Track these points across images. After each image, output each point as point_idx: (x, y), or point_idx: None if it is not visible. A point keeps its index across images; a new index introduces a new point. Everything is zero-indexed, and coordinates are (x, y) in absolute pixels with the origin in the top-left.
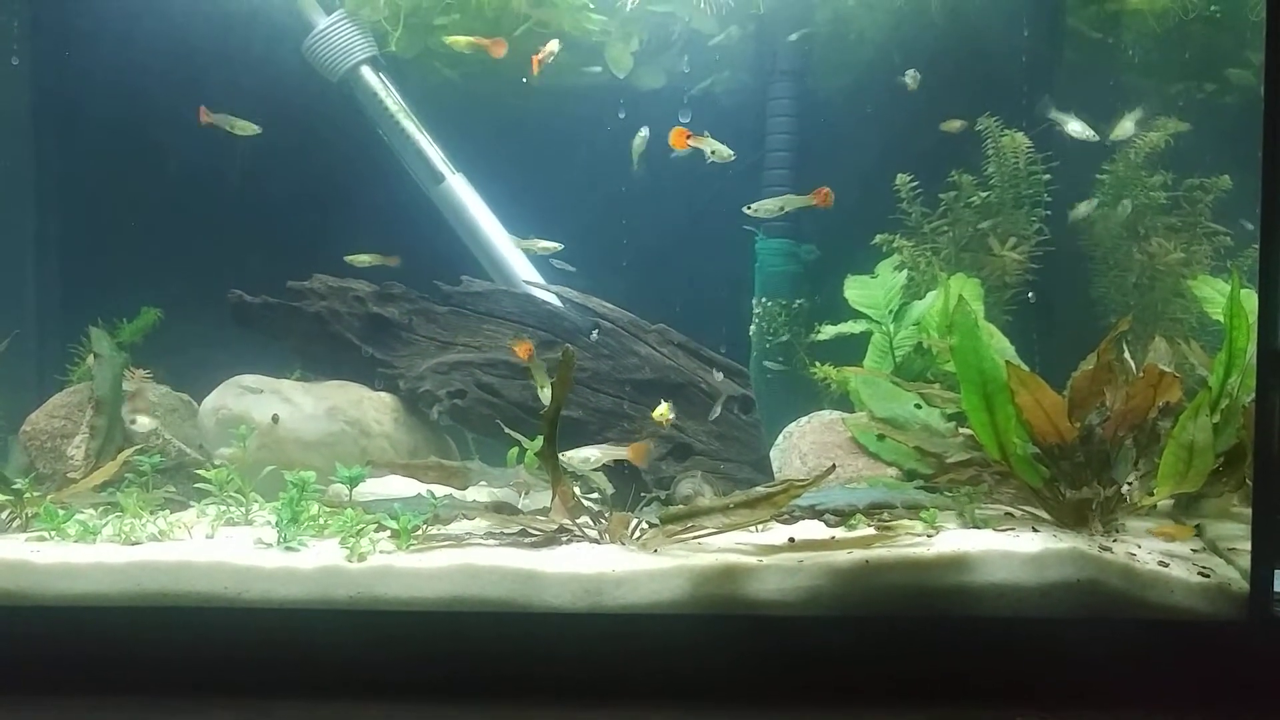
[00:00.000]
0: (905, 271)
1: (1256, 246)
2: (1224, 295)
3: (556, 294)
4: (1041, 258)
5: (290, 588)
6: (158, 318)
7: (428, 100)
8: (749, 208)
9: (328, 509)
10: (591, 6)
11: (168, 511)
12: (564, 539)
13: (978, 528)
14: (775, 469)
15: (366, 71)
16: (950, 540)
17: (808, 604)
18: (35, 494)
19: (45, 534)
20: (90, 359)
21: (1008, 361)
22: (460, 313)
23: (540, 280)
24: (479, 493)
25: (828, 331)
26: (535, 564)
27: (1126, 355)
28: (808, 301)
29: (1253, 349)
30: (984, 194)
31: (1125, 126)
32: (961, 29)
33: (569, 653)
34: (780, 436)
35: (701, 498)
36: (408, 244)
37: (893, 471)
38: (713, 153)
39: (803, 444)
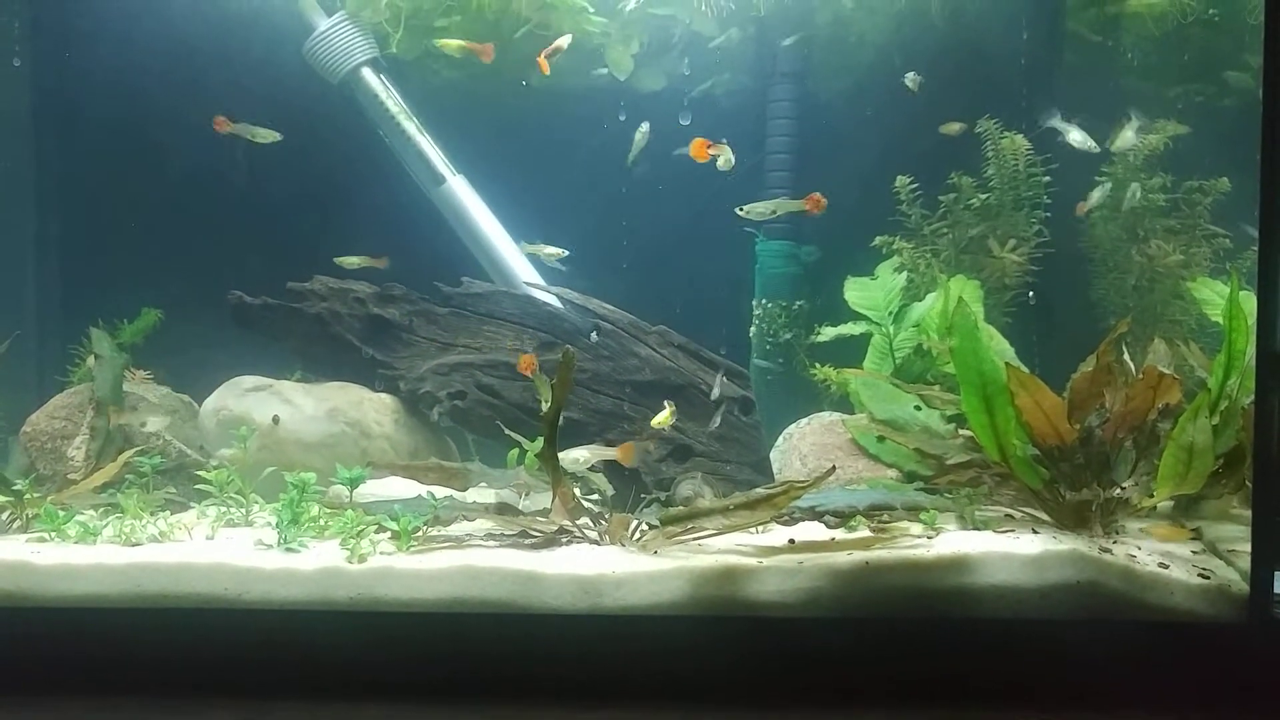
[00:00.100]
0: (905, 273)
1: (1255, 249)
2: (1223, 297)
3: (557, 295)
4: (1041, 260)
5: (290, 589)
6: (158, 319)
7: (428, 102)
8: (741, 209)
9: (328, 510)
10: (592, 9)
11: (168, 513)
12: (564, 540)
13: (978, 529)
14: (775, 470)
15: (367, 73)
16: (950, 542)
17: (808, 605)
18: (36, 495)
19: (45, 535)
20: (90, 360)
21: (1007, 363)
22: (461, 314)
23: (541, 282)
24: (479, 494)
25: (828, 333)
26: (535, 565)
27: (1126, 357)
28: (808, 303)
29: (1252, 351)
30: (984, 196)
31: (1125, 137)
32: (961, 32)
33: (569, 654)
34: (780, 438)
35: (701, 499)
36: (408, 245)
37: (893, 473)
38: (725, 161)
39: (803, 445)
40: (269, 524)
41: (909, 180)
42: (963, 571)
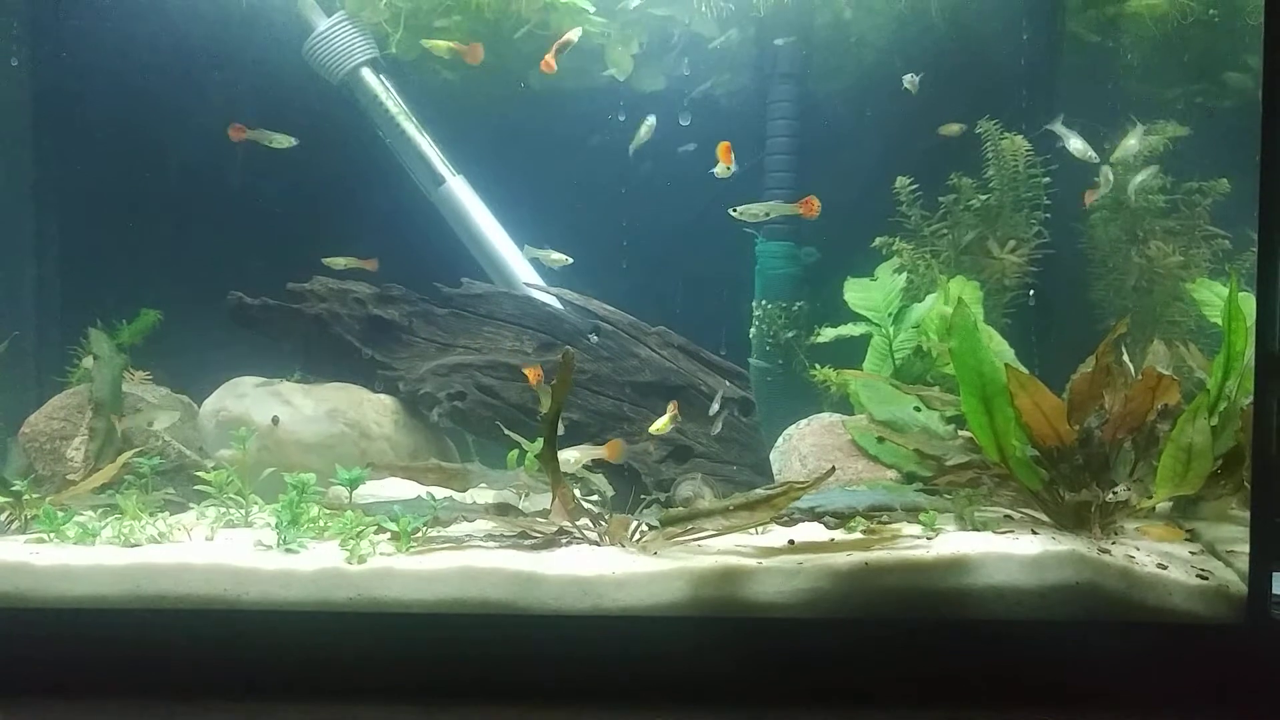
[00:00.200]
0: (905, 274)
1: (1255, 250)
2: (1222, 298)
3: (557, 296)
4: (1040, 261)
5: (290, 590)
6: (157, 319)
7: (428, 102)
8: (735, 210)
9: (328, 511)
10: (592, 10)
11: (167, 514)
12: (564, 541)
13: (977, 530)
14: (775, 471)
15: (367, 73)
16: (949, 543)
17: (807, 606)
18: (34, 496)
19: (44, 536)
20: (89, 360)
21: (1007, 364)
22: (460, 315)
23: (540, 282)
24: (479, 495)
25: (827, 334)
26: (535, 566)
27: (1125, 358)
28: (807, 304)
29: (1251, 352)
30: (984, 197)
31: (1128, 146)
32: (961, 32)
33: (569, 655)
34: (780, 439)
35: (701, 500)
36: (408, 246)
37: (892, 474)
38: (721, 169)
39: (802, 446)
40: (268, 525)
41: (909, 181)
42: (962, 572)
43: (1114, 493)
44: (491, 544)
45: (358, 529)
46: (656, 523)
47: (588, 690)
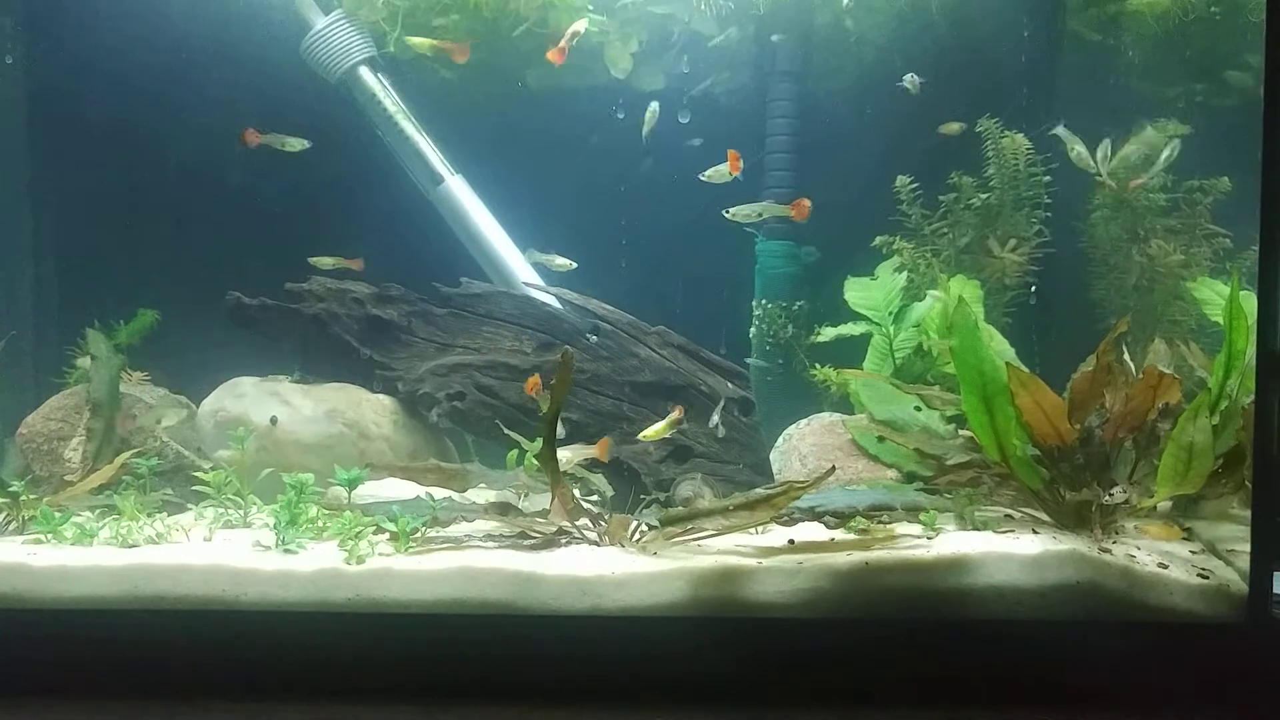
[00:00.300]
0: (905, 273)
1: (1256, 248)
2: (1223, 297)
3: (556, 295)
4: (1041, 259)
5: (289, 590)
6: (155, 319)
7: (426, 101)
8: (728, 212)
9: (326, 511)
10: (591, 8)
11: (165, 514)
12: (563, 541)
13: (977, 530)
14: (775, 471)
15: (365, 72)
16: (950, 542)
17: (807, 606)
18: (32, 496)
19: (42, 537)
20: (87, 361)
21: (1008, 363)
22: (459, 314)
23: (539, 282)
24: (478, 495)
25: (828, 333)
26: (534, 566)
27: (1126, 357)
28: (808, 303)
29: (1252, 351)
30: (984, 196)
31: (1125, 153)
32: (961, 30)
33: (568, 655)
34: (780, 438)
35: (701, 500)
36: (406, 245)
37: (892, 474)
38: (714, 174)
39: (802, 446)
40: (267, 525)
41: (909, 180)
42: (962, 572)
43: (1109, 495)
44: (491, 544)
45: (356, 529)
46: (656, 522)
47: (587, 690)
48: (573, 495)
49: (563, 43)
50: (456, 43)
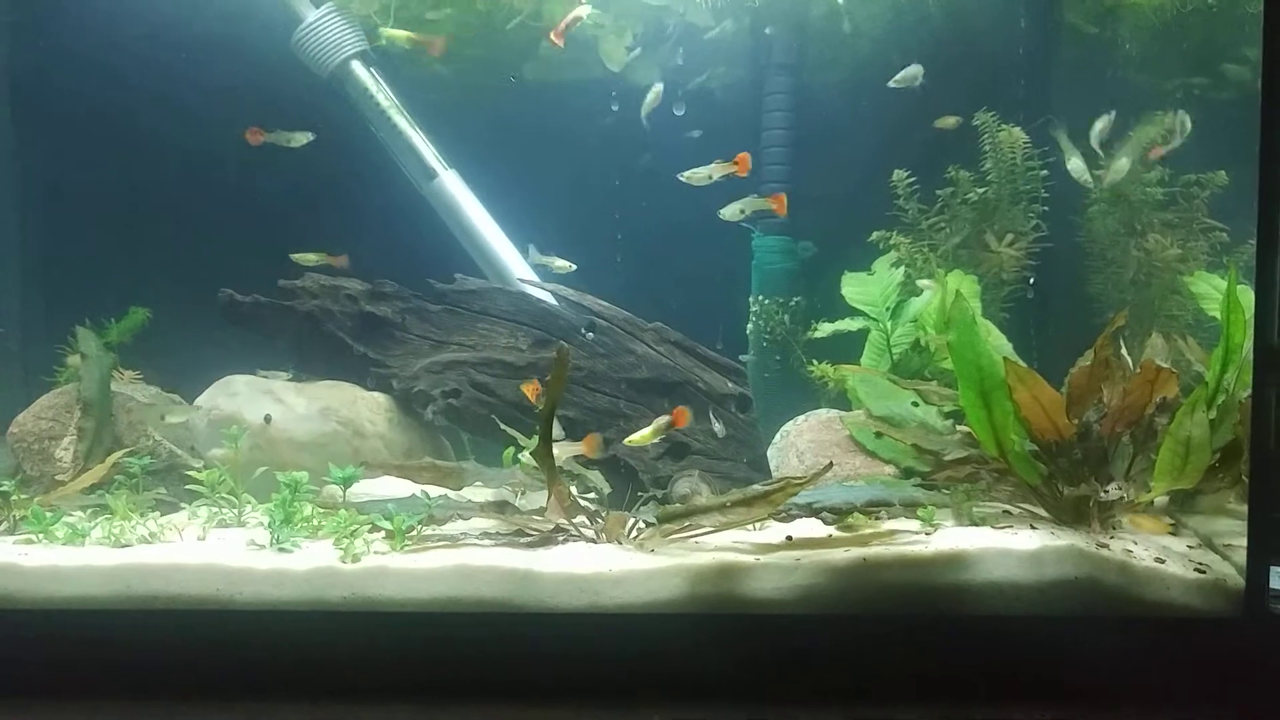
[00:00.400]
0: (902, 268)
1: (1253, 243)
2: (1220, 291)
3: (551, 292)
4: (1038, 254)
5: (284, 589)
6: (146, 317)
7: (419, 96)
8: (721, 212)
9: (321, 510)
10: (585, 0)
11: (158, 514)
12: (560, 539)
13: (975, 525)
14: (773, 467)
15: (357, 66)
16: (948, 538)
17: (805, 602)
18: (23, 496)
19: (33, 537)
20: (77, 359)
21: (1005, 358)
22: (454, 311)
23: (534, 278)
24: (474, 493)
25: (825, 329)
26: (531, 564)
27: (1123, 352)
28: (805, 299)
29: (1249, 345)
30: (981, 190)
31: (1119, 165)
32: (958, 22)
33: (566, 653)
34: (778, 435)
35: (698, 496)
36: (400, 241)
37: (890, 469)
38: (697, 176)
39: (800, 442)
40: (261, 524)
41: (906, 174)
42: (961, 568)
43: (1105, 492)
44: (487, 542)
45: (351, 528)
46: (654, 519)
47: (585, 688)
48: (570, 492)
49: (562, 26)
50: (431, 36)
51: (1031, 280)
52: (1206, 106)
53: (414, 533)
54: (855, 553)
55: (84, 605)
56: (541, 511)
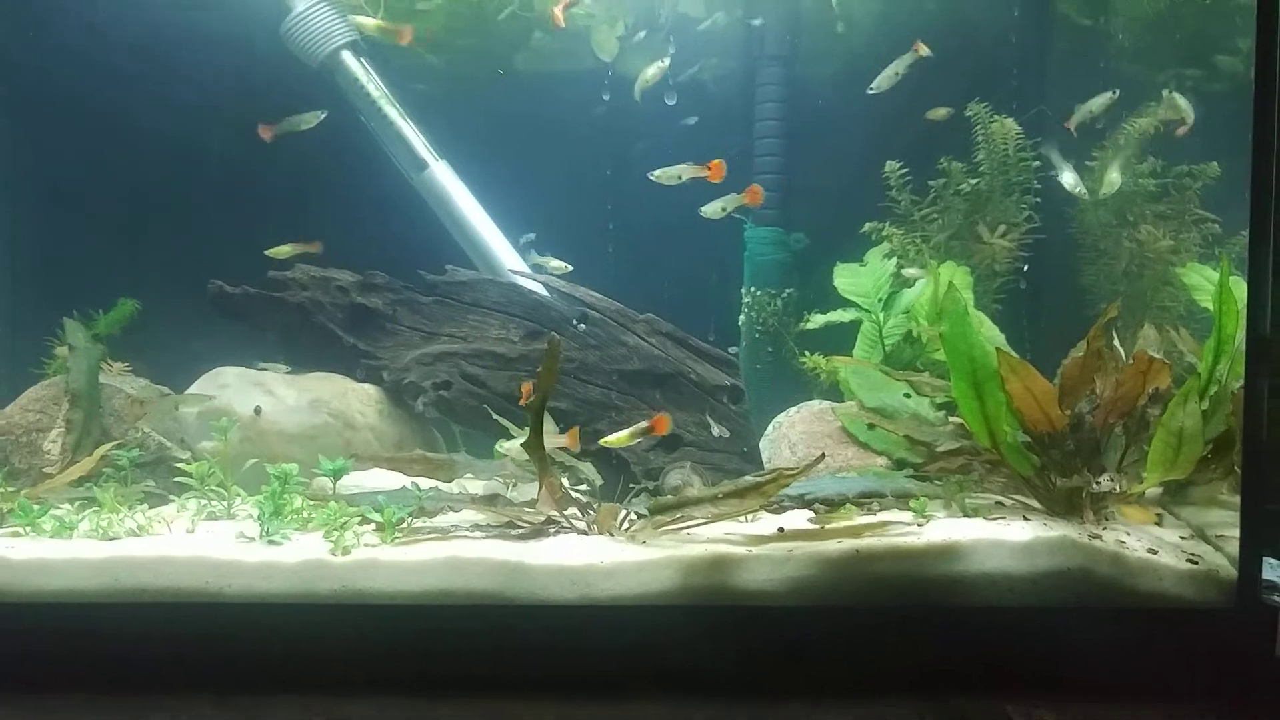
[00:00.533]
0: (895, 259)
1: (1245, 233)
2: (1212, 282)
3: (543, 283)
4: (1031, 245)
5: (273, 582)
6: (135, 309)
7: (410, 86)
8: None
9: (311, 502)
10: None
11: (146, 506)
12: (551, 531)
13: (968, 516)
14: (765, 459)
15: (347, 56)
16: (940, 529)
17: (797, 594)
18: (10, 489)
19: (20, 530)
20: (65, 351)
21: (998, 349)
22: (445, 302)
23: (525, 269)
24: (465, 486)
25: (817, 320)
26: (522, 556)
27: (1116, 343)
28: (797, 290)
29: (1241, 336)
30: (974, 181)
31: (1111, 178)
32: (950, 13)
33: (557, 645)
34: (770, 426)
35: (690, 488)
36: (391, 232)
37: (882, 461)
38: (669, 174)
39: (792, 434)
40: (251, 517)
41: (898, 165)
42: (953, 559)
43: (1096, 483)
44: (478, 534)
45: (341, 520)
46: (645, 511)
47: (576, 680)
48: (561, 484)
49: (562, 5)
50: (400, 25)
51: (1024, 270)
52: (1199, 98)
53: (404, 525)
54: (848, 544)
55: (72, 598)
56: (533, 503)
